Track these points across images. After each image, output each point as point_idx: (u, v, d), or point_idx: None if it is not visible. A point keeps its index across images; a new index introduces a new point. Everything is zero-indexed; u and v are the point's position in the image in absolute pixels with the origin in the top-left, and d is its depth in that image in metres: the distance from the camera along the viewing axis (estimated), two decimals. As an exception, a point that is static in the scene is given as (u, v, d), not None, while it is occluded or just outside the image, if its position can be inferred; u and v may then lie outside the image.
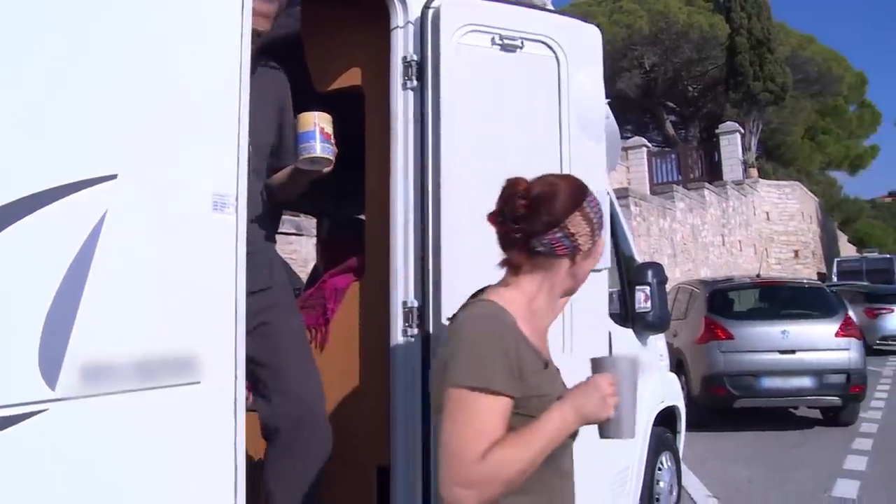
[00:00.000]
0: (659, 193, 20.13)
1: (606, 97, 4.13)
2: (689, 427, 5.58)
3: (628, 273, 4.18)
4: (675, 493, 4.96)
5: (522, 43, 2.60)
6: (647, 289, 4.03)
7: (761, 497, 6.39)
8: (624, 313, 4.13)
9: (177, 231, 1.74)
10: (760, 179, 28.39)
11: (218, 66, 1.85)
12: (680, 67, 29.80)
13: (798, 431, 8.95)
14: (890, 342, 17.13)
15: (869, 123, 39.76)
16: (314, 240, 7.09)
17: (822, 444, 8.37)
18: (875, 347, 16.44)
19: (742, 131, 27.39)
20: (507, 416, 1.55)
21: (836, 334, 9.03)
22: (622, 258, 4.31)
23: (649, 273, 4.07)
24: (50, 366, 1.50)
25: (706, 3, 29.47)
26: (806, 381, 8.74)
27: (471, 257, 2.59)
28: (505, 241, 1.73)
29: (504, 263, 1.76)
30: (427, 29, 2.54)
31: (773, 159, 33.88)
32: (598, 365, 1.71)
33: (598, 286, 2.74)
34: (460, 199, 2.56)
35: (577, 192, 1.72)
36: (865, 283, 21.74)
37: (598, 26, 2.95)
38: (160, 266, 1.69)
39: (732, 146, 26.88)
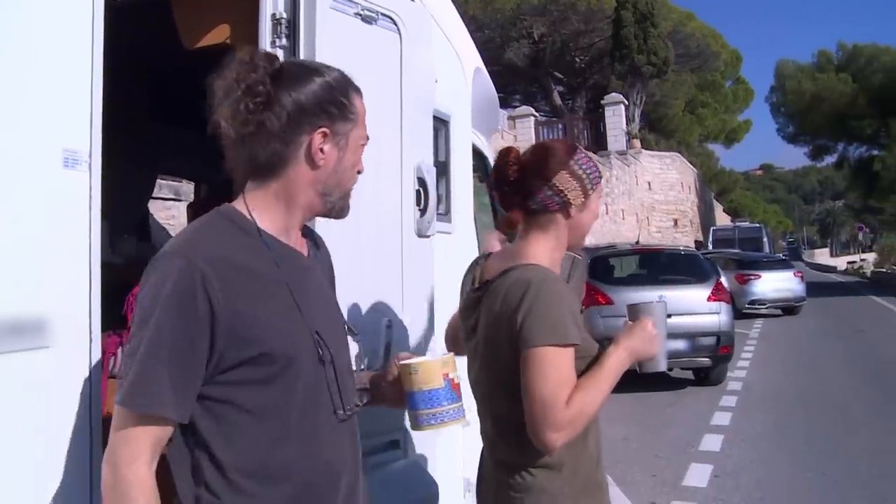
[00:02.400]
0: (546, 163, 20.49)
1: (494, 66, 4.16)
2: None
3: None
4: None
5: (378, 16, 2.67)
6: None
7: (635, 453, 6.71)
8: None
9: (23, 188, 1.63)
10: (643, 150, 29.41)
11: (68, 13, 1.74)
12: (568, 39, 30.35)
13: (671, 392, 9.42)
14: (757, 305, 18.24)
15: (743, 99, 41.88)
16: (194, 205, 6.86)
17: (693, 402, 8.86)
18: (744, 311, 17.47)
19: (626, 103, 28.24)
20: (574, 362, 1.79)
21: (708, 299, 9.52)
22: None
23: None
24: None
25: (594, -24, 30.05)
26: (680, 344, 9.17)
27: (343, 224, 2.57)
28: (506, 206, 1.96)
29: (508, 226, 2.02)
30: (300, -14, 2.49)
31: (656, 131, 35.15)
32: (636, 310, 1.96)
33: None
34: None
35: (565, 152, 1.92)
36: (737, 251, 23.00)
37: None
38: (3, 224, 1.59)
39: (617, 117, 27.70)
